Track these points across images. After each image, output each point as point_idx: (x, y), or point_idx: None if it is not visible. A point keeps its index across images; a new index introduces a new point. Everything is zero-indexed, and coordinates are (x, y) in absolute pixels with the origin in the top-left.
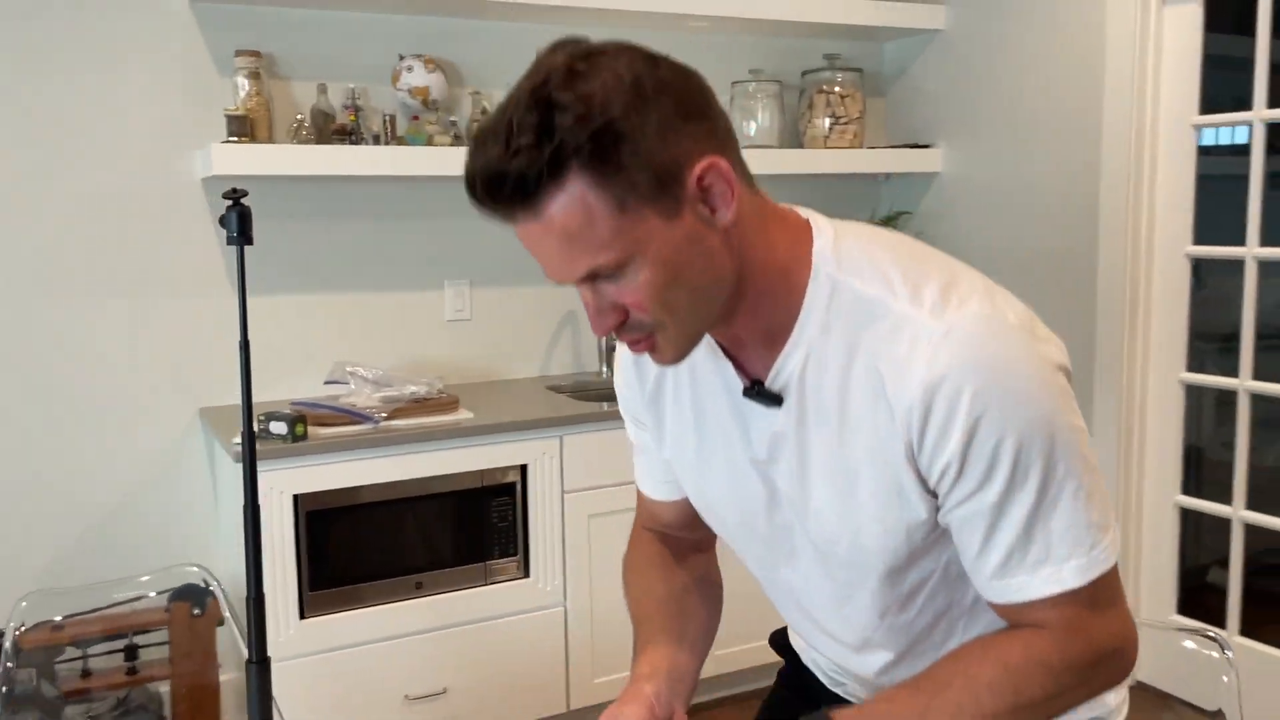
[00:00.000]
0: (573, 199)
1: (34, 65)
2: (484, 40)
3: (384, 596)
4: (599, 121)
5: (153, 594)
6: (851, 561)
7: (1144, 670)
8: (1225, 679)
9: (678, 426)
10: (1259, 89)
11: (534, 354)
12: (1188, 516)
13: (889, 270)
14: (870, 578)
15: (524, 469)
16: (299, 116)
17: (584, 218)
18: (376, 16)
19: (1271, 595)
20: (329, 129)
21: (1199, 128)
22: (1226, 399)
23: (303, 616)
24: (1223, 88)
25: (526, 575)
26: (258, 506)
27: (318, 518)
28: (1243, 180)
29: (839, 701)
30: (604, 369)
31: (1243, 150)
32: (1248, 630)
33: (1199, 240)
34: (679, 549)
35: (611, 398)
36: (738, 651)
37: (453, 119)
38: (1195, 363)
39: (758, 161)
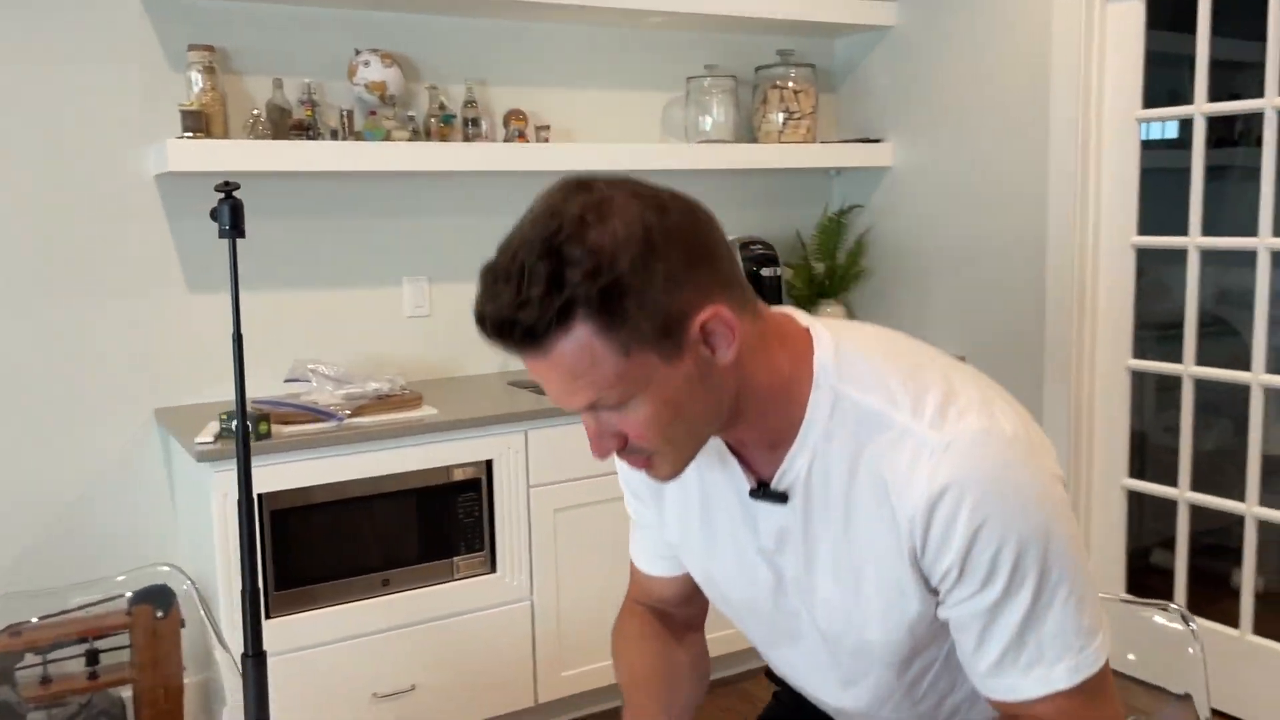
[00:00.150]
0: (579, 343)
1: None
2: (441, 34)
3: (350, 595)
4: (608, 277)
5: (118, 596)
6: (858, 652)
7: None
8: (1191, 651)
9: (682, 510)
10: (1199, 83)
11: (493, 350)
12: (1133, 499)
13: (889, 380)
14: (876, 666)
15: (489, 464)
16: (255, 112)
17: (589, 360)
18: (332, 10)
19: (1213, 574)
20: (285, 124)
21: (1142, 121)
22: (1167, 384)
23: (268, 616)
24: (1161, 83)
25: (493, 570)
26: (252, 500)
27: (282, 517)
28: (1179, 174)
29: None
30: None
31: (1179, 144)
32: (1193, 608)
33: (1143, 231)
34: (672, 625)
35: None
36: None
37: (410, 114)
38: (1138, 350)
39: (712, 157)
